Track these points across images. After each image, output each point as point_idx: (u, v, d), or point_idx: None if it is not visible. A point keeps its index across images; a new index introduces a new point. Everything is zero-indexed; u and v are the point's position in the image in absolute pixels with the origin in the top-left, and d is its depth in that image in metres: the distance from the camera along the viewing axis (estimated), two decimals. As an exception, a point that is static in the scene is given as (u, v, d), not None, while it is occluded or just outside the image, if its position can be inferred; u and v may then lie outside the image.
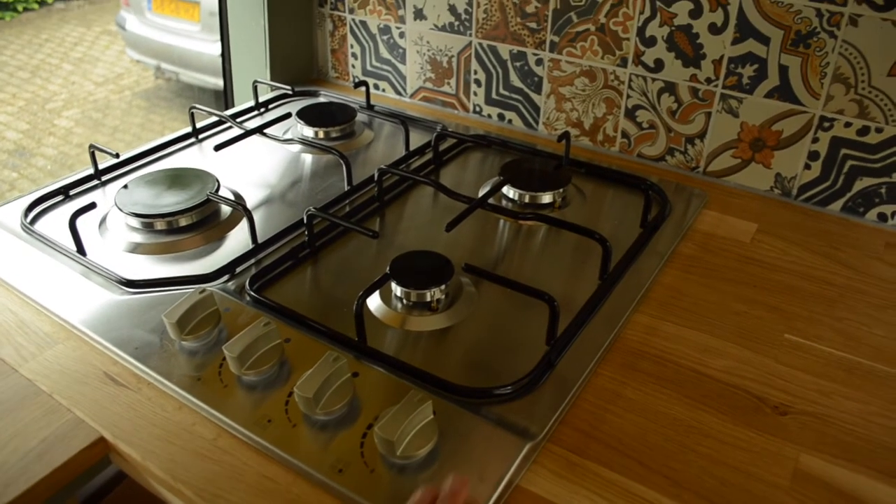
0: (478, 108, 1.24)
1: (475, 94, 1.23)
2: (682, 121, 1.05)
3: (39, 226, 0.92)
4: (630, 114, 1.09)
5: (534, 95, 1.17)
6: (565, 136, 1.03)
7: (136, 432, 0.65)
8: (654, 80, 1.05)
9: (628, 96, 1.08)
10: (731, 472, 0.62)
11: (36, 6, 5.93)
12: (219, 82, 4.01)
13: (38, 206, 0.96)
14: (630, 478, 0.62)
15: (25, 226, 0.90)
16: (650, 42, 1.03)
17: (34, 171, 3.76)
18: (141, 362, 0.70)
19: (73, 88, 4.74)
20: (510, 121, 1.22)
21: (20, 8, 5.86)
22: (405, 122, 1.11)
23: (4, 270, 0.83)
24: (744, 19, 0.95)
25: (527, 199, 0.97)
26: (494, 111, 1.23)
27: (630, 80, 1.07)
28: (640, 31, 1.03)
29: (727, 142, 1.03)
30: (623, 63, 1.06)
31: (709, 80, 1.01)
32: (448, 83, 1.25)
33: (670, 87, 1.04)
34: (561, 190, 0.97)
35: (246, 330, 0.68)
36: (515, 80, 1.17)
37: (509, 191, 0.98)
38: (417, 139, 1.14)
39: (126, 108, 4.46)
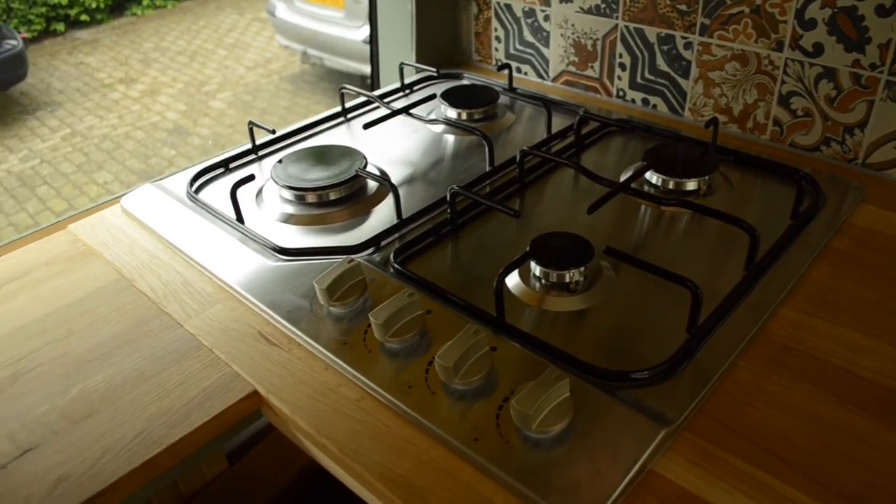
0: (621, 93, 1.22)
1: (619, 78, 1.21)
2: (841, 109, 1.00)
3: (203, 195, 0.99)
4: (784, 101, 1.05)
5: (681, 80, 1.14)
6: (713, 121, 1.00)
7: (286, 388, 0.69)
8: (811, 65, 1.00)
9: (783, 82, 1.03)
10: (879, 477, 0.59)
11: (195, -6, 6.30)
12: (360, 67, 4.14)
13: (202, 178, 1.03)
14: (768, 472, 0.60)
15: (191, 194, 0.98)
16: (809, 25, 0.98)
17: (190, 149, 4.03)
18: (292, 324, 0.75)
19: (226, 72, 5.03)
20: (655, 106, 1.19)
21: (182, -4, 6.25)
22: (547, 104, 1.11)
23: (172, 234, 0.91)
24: (918, 0, 0.88)
25: (671, 186, 0.95)
26: (639, 96, 1.21)
27: (786, 64, 1.02)
28: (799, 14, 0.98)
29: (890, 132, 0.97)
30: (779, 47, 1.02)
31: (873, 66, 0.95)
32: (592, 67, 1.24)
33: (830, 73, 0.99)
34: (707, 177, 0.94)
35: (391, 299, 0.70)
36: (662, 64, 1.15)
37: (652, 176, 0.96)
38: (559, 123, 1.14)
39: (274, 91, 4.69)
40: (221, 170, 1.05)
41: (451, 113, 1.16)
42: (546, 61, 1.30)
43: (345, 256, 0.81)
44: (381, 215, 0.93)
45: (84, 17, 5.79)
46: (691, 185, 0.94)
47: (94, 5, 5.82)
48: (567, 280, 0.78)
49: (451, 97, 1.17)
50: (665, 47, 1.13)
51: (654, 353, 0.69)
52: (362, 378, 0.68)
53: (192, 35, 5.73)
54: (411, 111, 1.11)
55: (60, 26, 5.69)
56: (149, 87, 4.82)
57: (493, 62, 1.38)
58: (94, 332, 0.78)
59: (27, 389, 0.71)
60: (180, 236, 0.90)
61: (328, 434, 0.64)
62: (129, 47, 5.50)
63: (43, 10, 5.61)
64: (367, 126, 1.04)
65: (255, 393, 0.69)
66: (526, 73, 1.35)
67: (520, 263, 0.76)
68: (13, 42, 4.51)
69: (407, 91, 1.28)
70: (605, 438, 0.61)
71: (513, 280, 0.80)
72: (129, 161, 3.89)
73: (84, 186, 3.71)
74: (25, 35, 5.32)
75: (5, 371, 0.74)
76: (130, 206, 0.97)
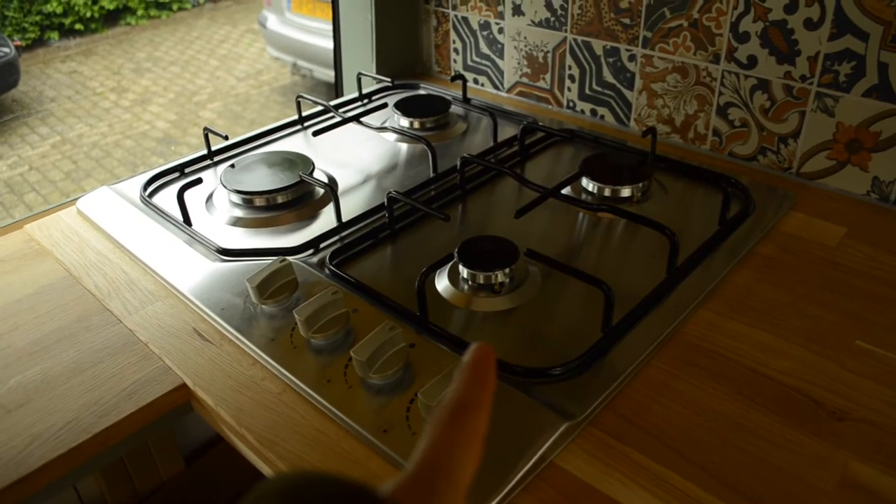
0: (571, 104, 1.26)
1: (569, 89, 1.25)
2: (776, 119, 1.03)
3: (157, 198, 1.02)
4: (722, 111, 1.08)
5: (626, 91, 1.17)
6: (651, 131, 1.04)
7: (213, 382, 0.72)
8: (746, 76, 1.03)
9: (720, 93, 1.07)
10: (774, 472, 0.62)
11: (189, 6, 6.37)
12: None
13: (157, 182, 1.06)
14: (666, 466, 0.62)
15: (144, 198, 1.01)
16: (743, 38, 1.01)
17: (177, 158, 4.06)
18: (225, 321, 0.78)
19: (217, 83, 5.07)
20: (602, 116, 1.23)
21: (175, 7, 6.31)
22: (493, 114, 1.15)
23: (122, 235, 0.94)
24: (841, 14, 0.92)
25: (606, 193, 0.98)
26: (587, 107, 1.24)
27: (722, 76, 1.06)
28: (734, 27, 1.02)
29: (822, 142, 1.01)
30: (716, 59, 1.05)
31: (803, 78, 0.98)
32: (543, 78, 1.27)
33: (763, 85, 1.02)
34: (640, 185, 0.98)
35: (315, 297, 0.74)
36: (608, 76, 1.18)
37: (588, 184, 0.99)
38: (508, 132, 1.17)
39: (264, 103, 4.73)
40: (177, 174, 1.09)
41: (403, 122, 1.19)
42: (501, 73, 1.34)
43: (279, 256, 0.84)
44: (326, 219, 0.96)
45: (78, 27, 5.85)
46: (625, 192, 0.98)
47: (88, 14, 5.87)
48: (493, 281, 0.81)
49: (404, 106, 1.21)
50: (611, 59, 1.17)
51: (571, 352, 0.72)
52: (285, 372, 0.71)
53: (185, 45, 5.78)
54: (362, 119, 1.14)
55: (55, 35, 5.74)
56: (140, 96, 4.86)
57: (452, 73, 1.42)
58: (38, 326, 0.81)
59: (-34, 381, 0.74)
60: (130, 237, 0.93)
61: (248, 425, 0.67)
62: (122, 56, 5.55)
63: (37, 18, 5.66)
64: (316, 133, 1.07)
65: (184, 386, 0.72)
66: (483, 85, 1.38)
67: (444, 264, 0.79)
68: (5, 49, 4.56)
69: (364, 101, 1.31)
70: (509, 431, 0.64)
71: (443, 283, 0.83)
72: (117, 169, 3.93)
73: (72, 194, 3.73)
74: (19, 43, 5.38)
75: (-53, 363, 0.77)
76: (85, 208, 1.00)
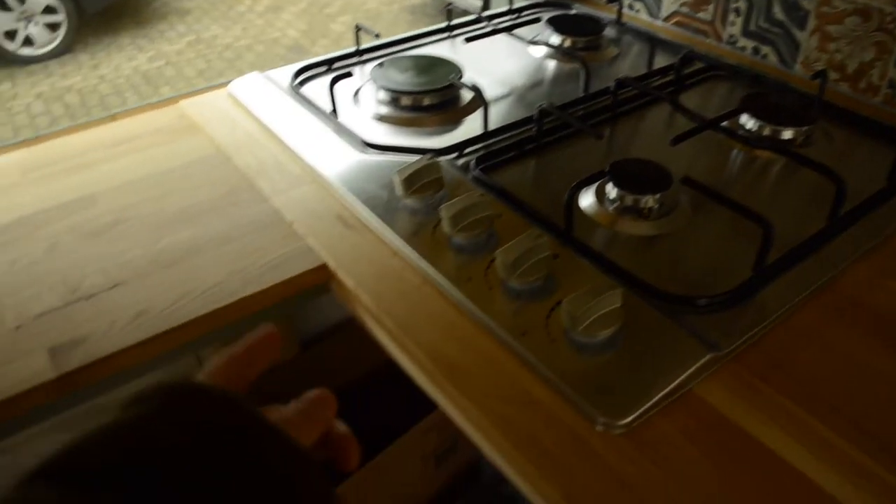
0: (732, 39, 1.19)
1: (732, 23, 1.17)
2: (967, 75, 0.94)
3: (305, 89, 1.03)
4: (904, 61, 0.99)
5: (796, 31, 1.10)
6: (821, 73, 0.97)
7: (354, 266, 0.73)
8: (942, 25, 0.94)
9: (906, 41, 0.98)
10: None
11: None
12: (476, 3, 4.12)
13: (306, 73, 1.08)
14: (812, 413, 0.59)
15: (294, 87, 1.02)
16: (946, -19, 0.92)
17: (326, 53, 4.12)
18: (369, 211, 0.78)
19: (349, -3, 5.09)
20: (765, 56, 1.15)
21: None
22: (652, 40, 1.10)
23: (271, 120, 0.96)
24: None
25: (766, 132, 0.93)
26: (750, 44, 1.17)
27: (912, 23, 0.97)
28: (937, -32, 0.92)
29: None
30: (908, 3, 0.96)
31: None
32: (705, 9, 1.20)
33: (961, 35, 0.93)
34: (805, 128, 0.92)
35: (462, 196, 0.73)
36: (778, 13, 1.11)
37: (748, 121, 0.94)
38: (663, 61, 1.12)
39: (392, 20, 4.73)
40: (324, 68, 1.10)
41: (555, 39, 1.15)
42: (659, 0, 1.27)
43: (427, 154, 0.84)
44: (470, 126, 0.95)
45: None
46: (787, 133, 0.92)
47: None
48: (641, 205, 0.78)
49: (556, 23, 1.17)
50: (786, -6, 1.09)
51: (715, 287, 0.69)
52: (426, 266, 0.71)
53: (320, -44, 5.80)
54: (514, 31, 1.11)
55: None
56: (273, 3, 4.94)
57: (606, -4, 1.36)
58: (189, 195, 0.84)
59: (124, 235, 0.78)
60: (278, 122, 0.95)
61: (387, 310, 0.68)
62: (259, -38, 5.62)
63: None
64: (468, 40, 1.05)
65: (325, 266, 0.74)
66: (637, 11, 1.32)
67: (595, 180, 0.77)
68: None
69: (515, 15, 1.28)
70: (650, 353, 0.62)
71: (588, 200, 0.81)
72: (246, 72, 4.02)
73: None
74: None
75: (107, 217, 0.81)
76: (236, 91, 1.03)
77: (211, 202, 0.83)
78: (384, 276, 0.72)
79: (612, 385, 0.60)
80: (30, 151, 0.94)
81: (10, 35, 4.07)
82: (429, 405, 0.66)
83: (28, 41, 4.15)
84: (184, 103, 1.03)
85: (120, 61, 4.21)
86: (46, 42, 4.19)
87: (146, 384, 0.29)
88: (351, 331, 1.35)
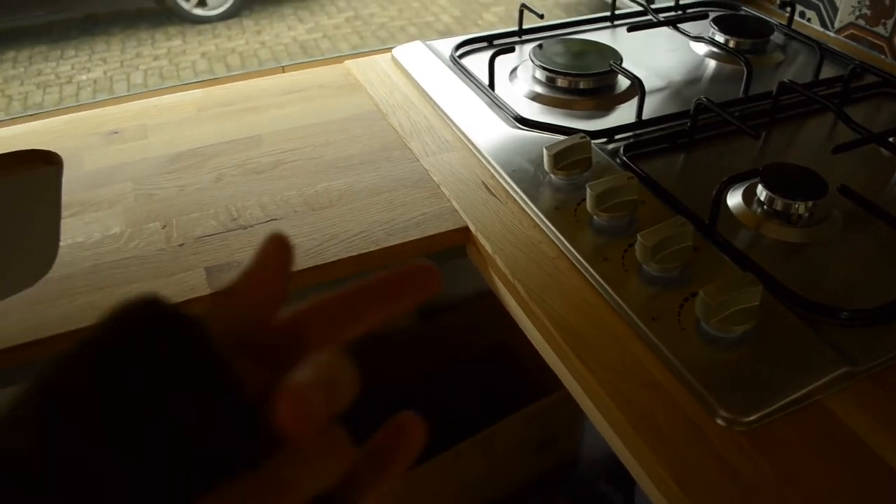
0: (913, 58, 1.12)
1: (916, 41, 1.11)
2: None
3: (465, 61, 1.06)
4: None
5: None
6: None
7: (493, 232, 0.75)
8: None
9: None
10: None
11: None
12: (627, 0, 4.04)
13: (466, 46, 1.11)
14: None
15: (454, 58, 1.05)
16: None
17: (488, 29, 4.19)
18: (514, 182, 0.80)
19: (505, -13, 5.12)
20: (947, 79, 1.09)
21: None
22: (822, 49, 1.05)
23: (428, 86, 0.99)
24: None
25: (939, 156, 0.88)
26: (933, 64, 1.10)
27: None
28: None
29: None
30: None
31: None
32: (884, 23, 1.14)
33: None
34: None
35: (610, 177, 0.73)
36: (972, 33, 1.04)
37: (920, 142, 0.89)
38: (830, 72, 1.07)
39: (546, 16, 4.72)
40: (485, 44, 1.12)
41: (719, 37, 1.13)
42: (835, 10, 1.21)
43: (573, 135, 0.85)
44: (622, 114, 0.95)
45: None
46: (965, 159, 0.86)
47: None
48: (791, 211, 0.76)
49: (723, 22, 1.14)
50: (981, 14, 1.02)
51: (858, 302, 0.67)
52: (564, 241, 0.72)
53: (483, -55, 5.86)
54: (678, 25, 1.10)
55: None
56: (431, -12, 5.03)
57: (777, 1, 1.31)
58: (346, 146, 0.89)
59: (283, 175, 0.84)
60: (435, 89, 0.99)
61: (520, 278, 0.70)
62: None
63: None
64: (631, 29, 1.05)
65: (466, 229, 0.76)
66: (809, 20, 1.27)
67: (746, 178, 0.76)
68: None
69: (680, 11, 1.26)
70: (782, 357, 0.61)
71: (734, 199, 0.79)
72: (397, 51, 4.13)
73: (354, 65, 4.00)
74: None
75: (270, 158, 0.87)
76: (399, 56, 1.07)
77: (365, 155, 0.87)
78: (521, 245, 0.74)
79: (738, 382, 0.59)
80: (206, 92, 1.02)
81: (187, -5, 4.37)
82: (532, 394, 0.67)
83: (202, 2, 4.42)
84: (349, 63, 1.08)
85: (280, 30, 4.41)
86: (218, 4, 4.45)
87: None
88: (467, 309, 1.38)
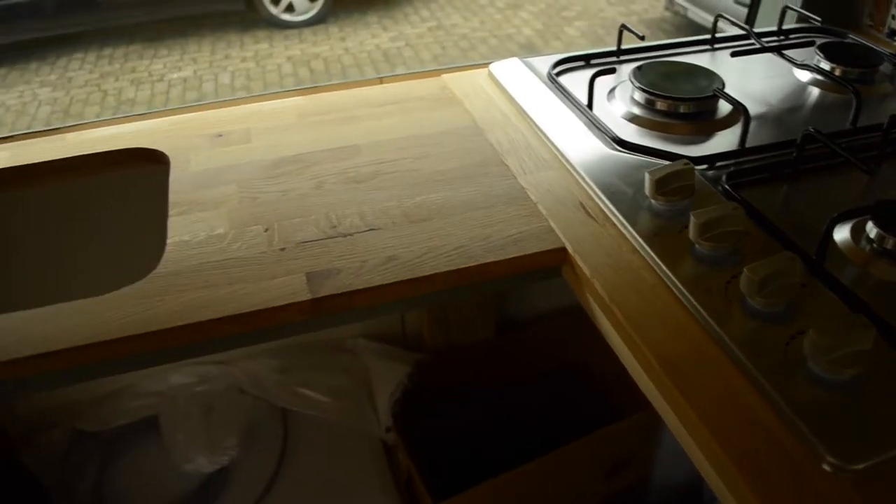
0: None
1: None
2: None
3: (562, 79, 1.06)
4: None
5: None
6: None
7: (591, 254, 0.75)
8: None
9: None
10: None
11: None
12: (723, 27, 3.96)
13: (564, 65, 1.10)
14: None
15: (551, 76, 1.05)
16: None
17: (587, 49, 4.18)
18: (613, 205, 0.80)
19: (587, 2, 5.08)
20: None
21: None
22: (938, 82, 1.01)
23: (526, 103, 1.00)
24: None
25: None
26: None
27: None
28: None
29: None
30: None
31: None
32: None
33: None
34: None
35: (716, 206, 0.72)
36: None
37: None
38: (945, 107, 1.03)
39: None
40: (582, 63, 1.12)
41: (825, 65, 1.10)
42: (952, 41, 1.17)
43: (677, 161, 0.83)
44: (723, 140, 0.93)
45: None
46: None
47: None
48: (903, 250, 0.73)
49: (829, 50, 1.11)
50: None
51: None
52: (664, 268, 0.71)
53: (568, -40, 5.84)
54: (783, 52, 1.07)
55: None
56: (514, 1, 5.04)
57: (885, 30, 1.27)
58: (444, 160, 0.89)
59: (382, 186, 0.85)
60: (532, 106, 0.99)
61: (618, 302, 0.69)
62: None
63: None
64: (734, 54, 1.03)
65: (564, 250, 0.76)
66: (922, 50, 1.22)
67: (857, 215, 0.73)
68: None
69: (781, 37, 1.23)
70: (893, 407, 0.59)
71: (841, 234, 0.77)
72: (477, 62, 4.15)
73: (434, 74, 4.03)
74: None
75: (369, 168, 0.88)
76: (496, 72, 1.08)
77: (462, 170, 0.88)
78: (619, 269, 0.73)
79: (847, 427, 0.57)
80: (307, 99, 1.04)
81: (276, 0, 4.48)
82: (606, 413, 0.65)
83: (290, 7, 4.53)
84: (446, 77, 1.09)
85: (364, 37, 4.49)
86: (305, 10, 4.56)
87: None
88: (545, 325, 1.37)
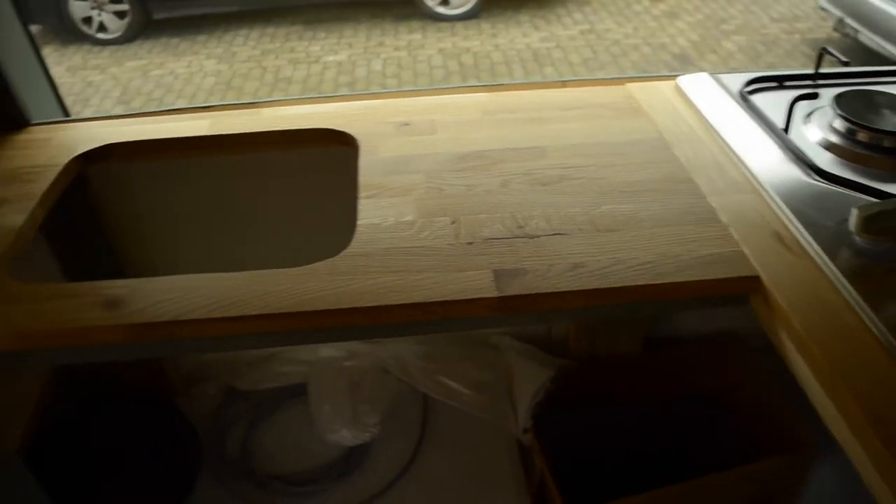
0: None
1: None
2: None
3: (754, 98, 1.02)
4: None
5: None
6: None
7: (786, 287, 0.71)
8: None
9: None
10: None
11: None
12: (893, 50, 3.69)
13: (755, 84, 1.06)
14: None
15: (743, 94, 1.02)
16: None
17: (781, 69, 4.05)
18: (812, 237, 0.76)
19: (749, 17, 4.88)
20: None
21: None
22: None
23: (717, 121, 0.97)
24: None
25: None
26: None
27: None
28: None
29: None
30: None
31: None
32: None
33: None
34: None
35: (934, 251, 0.67)
36: None
37: None
38: None
39: (790, 50, 4.45)
40: (774, 84, 1.07)
41: None
42: None
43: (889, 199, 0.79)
44: (931, 181, 0.87)
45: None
46: None
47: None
48: None
49: None
50: None
51: None
52: (869, 312, 0.67)
53: (731, -28, 5.63)
54: None
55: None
56: (671, 10, 4.91)
57: None
58: (631, 171, 0.88)
59: (568, 191, 0.85)
60: (722, 124, 0.96)
61: (817, 339, 0.66)
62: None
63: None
64: (953, 89, 0.96)
65: (757, 279, 0.73)
66: None
67: None
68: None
69: None
70: None
71: None
72: (627, 71, 4.07)
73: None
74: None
75: (556, 171, 0.88)
76: (684, 85, 1.05)
77: (650, 183, 0.86)
78: (817, 306, 0.69)
79: None
80: (490, 96, 1.05)
81: (434, -5, 4.58)
82: (743, 450, 0.61)
83: (445, 1, 4.60)
84: (630, 86, 1.07)
85: (515, 35, 4.49)
86: (460, 4, 4.61)
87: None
88: (691, 348, 1.33)
